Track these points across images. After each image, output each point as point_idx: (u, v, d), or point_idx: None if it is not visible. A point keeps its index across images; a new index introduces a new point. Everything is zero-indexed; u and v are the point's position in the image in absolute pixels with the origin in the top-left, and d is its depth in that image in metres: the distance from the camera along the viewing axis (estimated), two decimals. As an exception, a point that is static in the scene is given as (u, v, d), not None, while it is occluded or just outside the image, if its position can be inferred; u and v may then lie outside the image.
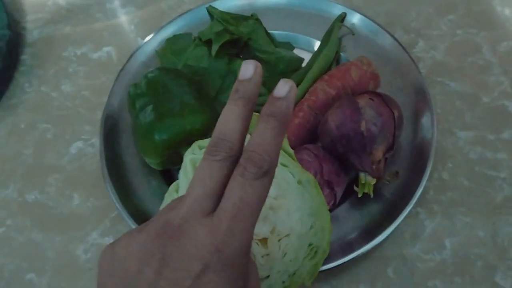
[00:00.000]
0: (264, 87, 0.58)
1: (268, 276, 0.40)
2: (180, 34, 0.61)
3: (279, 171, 0.42)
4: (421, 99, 0.54)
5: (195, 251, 0.26)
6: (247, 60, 0.30)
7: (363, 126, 0.45)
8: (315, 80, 0.55)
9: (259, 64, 0.29)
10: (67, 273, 0.50)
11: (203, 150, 0.43)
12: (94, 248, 0.51)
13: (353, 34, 0.60)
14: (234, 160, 0.28)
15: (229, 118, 0.29)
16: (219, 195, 0.28)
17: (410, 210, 0.47)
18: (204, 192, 0.27)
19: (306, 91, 0.54)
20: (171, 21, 0.63)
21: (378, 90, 0.54)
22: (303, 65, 0.60)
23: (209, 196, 0.27)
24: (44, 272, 0.50)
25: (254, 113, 0.42)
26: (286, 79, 0.29)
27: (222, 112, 0.29)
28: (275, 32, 0.62)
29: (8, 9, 0.68)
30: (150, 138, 0.48)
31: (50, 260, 0.51)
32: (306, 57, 0.60)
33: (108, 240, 0.52)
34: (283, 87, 0.29)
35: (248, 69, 0.29)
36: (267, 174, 0.27)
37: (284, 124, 0.28)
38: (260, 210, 0.28)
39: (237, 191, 0.27)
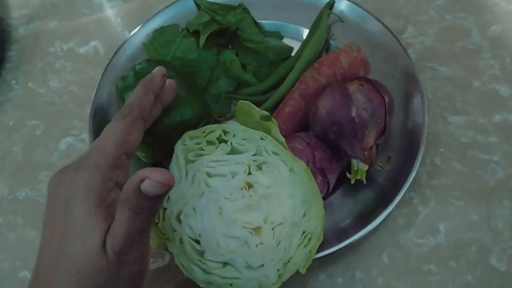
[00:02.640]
0: (254, 76, 0.57)
1: (262, 265, 0.40)
2: (167, 26, 0.60)
3: (271, 159, 0.42)
4: (411, 84, 0.54)
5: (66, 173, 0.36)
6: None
7: (354, 112, 0.45)
8: (305, 69, 0.55)
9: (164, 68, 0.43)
10: (61, 269, 0.50)
11: (194, 140, 0.43)
12: (87, 244, 0.51)
13: (342, 21, 0.60)
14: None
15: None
16: None
17: (403, 195, 0.47)
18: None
19: (296, 79, 0.54)
20: (157, 13, 0.63)
21: (369, 77, 0.54)
22: (293, 54, 0.59)
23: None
24: (37, 269, 0.50)
25: (245, 102, 0.42)
26: (159, 67, 0.44)
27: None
28: (264, 22, 0.62)
29: (-8, 6, 0.67)
30: (139, 130, 0.48)
31: (43, 257, 0.51)
32: (296, 46, 0.60)
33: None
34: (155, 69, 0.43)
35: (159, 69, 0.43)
36: (125, 117, 0.38)
37: (148, 87, 0.41)
38: (119, 141, 0.37)
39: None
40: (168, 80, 0.44)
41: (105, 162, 0.35)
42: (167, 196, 0.41)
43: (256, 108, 0.42)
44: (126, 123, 0.37)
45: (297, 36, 0.62)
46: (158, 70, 0.42)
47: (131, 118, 0.38)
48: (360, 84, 0.47)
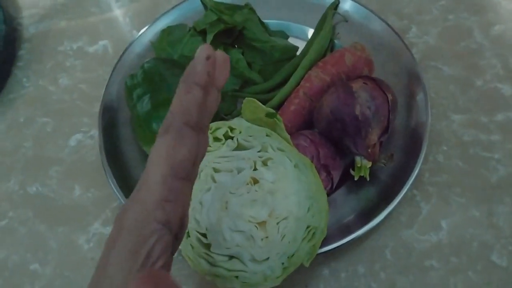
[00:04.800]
0: (259, 75, 0.58)
1: (267, 258, 0.41)
2: (175, 25, 0.62)
3: (276, 155, 0.43)
4: (415, 83, 0.54)
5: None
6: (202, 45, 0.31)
7: (357, 110, 0.46)
8: (310, 67, 0.55)
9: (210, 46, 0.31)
10: (70, 262, 0.51)
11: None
12: (96, 238, 0.52)
13: (346, 21, 0.61)
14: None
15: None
16: None
17: (406, 192, 0.48)
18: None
19: (301, 78, 0.55)
20: (165, 13, 0.64)
21: (373, 76, 0.55)
22: (298, 53, 0.60)
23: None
24: (48, 262, 0.51)
25: (251, 99, 0.43)
26: (204, 44, 0.31)
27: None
28: (269, 21, 0.63)
29: (3, 5, 0.68)
30: (147, 127, 0.49)
31: (53, 250, 0.52)
32: (301, 45, 0.60)
33: (110, 230, 0.52)
34: (197, 51, 0.30)
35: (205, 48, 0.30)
36: (167, 131, 0.29)
37: (190, 83, 0.30)
38: (169, 164, 0.29)
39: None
40: (217, 54, 0.31)
41: (150, 198, 0.28)
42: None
43: (262, 105, 0.43)
44: (169, 140, 0.29)
45: (302, 35, 0.63)
46: (200, 52, 0.30)
47: (173, 131, 0.29)
48: (364, 83, 0.48)
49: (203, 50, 0.30)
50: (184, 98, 0.29)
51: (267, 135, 0.43)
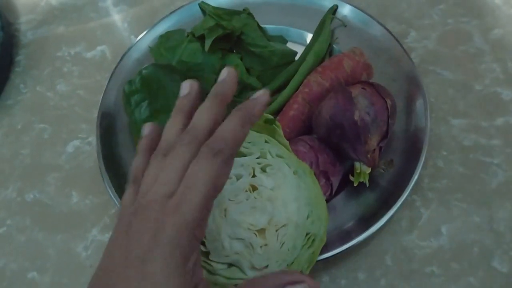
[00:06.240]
0: (258, 80, 0.58)
1: (267, 266, 0.41)
2: (173, 31, 0.62)
3: (275, 162, 0.43)
4: (414, 88, 0.54)
5: (142, 225, 0.29)
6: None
7: (356, 116, 0.46)
8: (308, 73, 0.55)
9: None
10: (69, 270, 0.51)
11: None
12: (94, 245, 0.52)
13: (345, 26, 0.61)
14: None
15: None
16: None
17: (406, 198, 0.47)
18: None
19: (300, 83, 0.55)
20: (164, 18, 0.64)
21: (371, 81, 0.54)
22: (297, 58, 0.60)
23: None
24: (46, 270, 0.51)
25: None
26: (264, 89, 0.34)
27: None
28: (268, 26, 0.63)
29: (1, 11, 0.68)
30: (146, 134, 0.49)
31: (52, 258, 0.52)
32: (299, 50, 0.60)
33: (108, 236, 0.52)
34: (258, 93, 0.34)
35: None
36: (218, 155, 0.30)
37: (248, 120, 0.32)
38: (212, 189, 0.30)
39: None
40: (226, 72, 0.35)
41: (193, 218, 0.29)
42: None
43: (261, 112, 0.43)
44: (220, 164, 0.30)
45: (300, 40, 0.62)
46: (263, 95, 0.34)
47: (223, 157, 0.30)
48: (362, 88, 0.48)
49: (266, 95, 0.34)
50: (240, 130, 0.31)
51: (266, 142, 0.43)
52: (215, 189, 0.30)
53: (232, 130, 0.31)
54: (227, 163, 0.31)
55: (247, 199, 0.42)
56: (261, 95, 0.34)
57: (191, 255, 0.29)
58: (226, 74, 0.35)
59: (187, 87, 0.36)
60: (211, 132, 0.32)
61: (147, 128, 0.38)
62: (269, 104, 0.55)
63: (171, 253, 0.28)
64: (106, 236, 0.52)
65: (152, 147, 0.35)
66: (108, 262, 0.30)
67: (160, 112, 0.49)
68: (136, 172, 0.35)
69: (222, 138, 0.31)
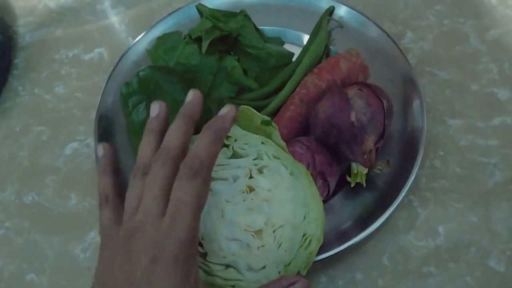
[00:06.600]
0: (255, 82, 0.58)
1: (264, 267, 0.41)
2: (171, 33, 0.62)
3: (272, 163, 0.43)
4: (410, 89, 0.54)
5: (141, 248, 0.31)
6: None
7: (353, 117, 0.46)
8: (305, 74, 0.55)
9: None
10: (67, 272, 0.51)
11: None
12: (92, 247, 0.52)
13: (342, 27, 0.61)
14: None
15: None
16: (167, 197, 0.33)
17: (403, 198, 0.48)
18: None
19: (297, 85, 0.55)
20: (161, 20, 0.64)
21: (368, 82, 0.55)
22: (293, 59, 0.60)
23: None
24: (44, 272, 0.51)
25: (247, 107, 0.43)
26: (230, 105, 0.38)
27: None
28: (265, 28, 0.63)
29: (-2, 14, 0.68)
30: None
31: (50, 260, 0.52)
32: (296, 51, 0.60)
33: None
34: (224, 109, 0.38)
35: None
36: (197, 175, 0.33)
37: (218, 136, 0.36)
38: (197, 207, 0.32)
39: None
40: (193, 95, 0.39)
41: (186, 237, 0.31)
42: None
43: (257, 113, 0.43)
44: (200, 185, 0.33)
45: (297, 42, 0.63)
46: (230, 111, 0.38)
47: (202, 177, 0.33)
48: (359, 89, 0.48)
49: (232, 111, 0.38)
50: (213, 147, 0.35)
51: (262, 143, 0.43)
52: (200, 207, 0.33)
53: (205, 148, 0.34)
54: (206, 182, 0.33)
55: (244, 200, 0.42)
56: (228, 111, 0.38)
57: (192, 268, 0.32)
58: (192, 95, 0.38)
59: (156, 108, 0.39)
60: (183, 149, 0.35)
61: (102, 149, 0.41)
62: (266, 105, 0.56)
63: (174, 271, 0.30)
64: (104, 238, 0.52)
65: (113, 167, 0.39)
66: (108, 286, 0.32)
67: (157, 114, 0.49)
68: (107, 192, 0.37)
69: (198, 157, 0.33)
